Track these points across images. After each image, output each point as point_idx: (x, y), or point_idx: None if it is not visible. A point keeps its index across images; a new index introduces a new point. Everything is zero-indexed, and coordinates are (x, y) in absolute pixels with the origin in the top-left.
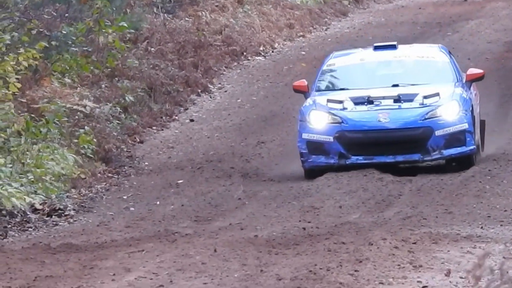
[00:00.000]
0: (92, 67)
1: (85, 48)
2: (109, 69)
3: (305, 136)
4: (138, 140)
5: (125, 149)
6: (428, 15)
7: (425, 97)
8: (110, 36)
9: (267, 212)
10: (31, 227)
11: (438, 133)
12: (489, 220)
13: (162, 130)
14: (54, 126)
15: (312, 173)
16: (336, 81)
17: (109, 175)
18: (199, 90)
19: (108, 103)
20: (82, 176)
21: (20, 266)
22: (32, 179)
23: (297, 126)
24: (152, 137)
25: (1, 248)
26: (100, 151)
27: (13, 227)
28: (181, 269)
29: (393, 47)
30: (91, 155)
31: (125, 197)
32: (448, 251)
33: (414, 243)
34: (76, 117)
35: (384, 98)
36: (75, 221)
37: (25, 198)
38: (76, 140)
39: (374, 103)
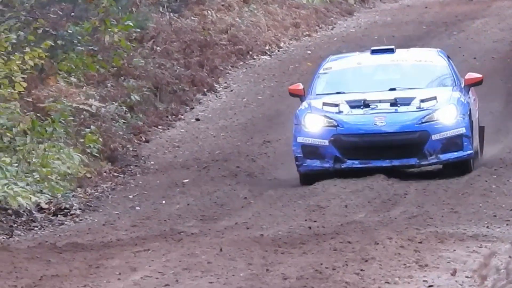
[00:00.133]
0: (98, 66)
1: (91, 47)
2: (115, 68)
3: (300, 139)
4: (144, 139)
5: (131, 148)
6: (434, 14)
7: (422, 101)
8: (116, 35)
9: (273, 211)
10: (37, 226)
11: (435, 137)
12: (495, 220)
13: (168, 129)
14: (60, 125)
15: (307, 177)
16: (332, 84)
17: (115, 174)
18: (205, 89)
19: (114, 102)
20: (88, 175)
21: (26, 265)
22: (38, 178)
23: (292, 130)
24: (158, 136)
25: (7, 247)
26: (106, 150)
27: (19, 226)
28: (187, 268)
29: (391, 51)
30: (97, 154)
31: (131, 196)
32: (454, 250)
33: (420, 242)
34: (82, 116)
35: (380, 101)
36: (81, 220)
37: (31, 197)
38: (82, 139)
39: (370, 106)
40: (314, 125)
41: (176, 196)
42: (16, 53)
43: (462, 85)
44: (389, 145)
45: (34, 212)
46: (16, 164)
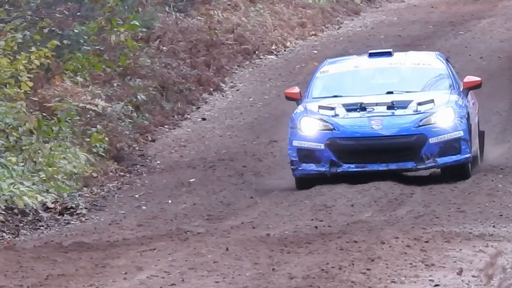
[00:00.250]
0: (104, 66)
1: (97, 47)
2: (121, 68)
3: (295, 143)
4: (150, 138)
5: (137, 148)
6: (440, 14)
7: (419, 104)
8: (122, 35)
9: (279, 211)
10: (43, 226)
11: (432, 140)
12: (501, 219)
13: (174, 128)
14: (66, 124)
15: (303, 181)
16: (329, 88)
17: (121, 173)
18: (211, 89)
19: (120, 102)
20: (94, 174)
21: (32, 265)
22: (44, 178)
23: (288, 133)
24: (164, 136)
25: (13, 246)
26: (112, 150)
27: (25, 226)
28: (193, 268)
29: (389, 54)
30: (103, 154)
31: (137, 195)
32: (461, 249)
33: (426, 241)
34: (88, 116)
35: (377, 104)
36: (87, 219)
37: (37, 197)
38: (88, 139)
39: (367, 109)
40: (309, 128)
41: (182, 196)
42: (22, 53)
43: (461, 89)
44: (385, 148)
45: (40, 211)
46: (22, 164)
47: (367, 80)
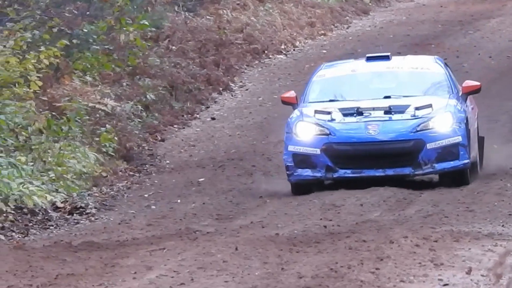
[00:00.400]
0: (113, 65)
1: (106, 46)
2: (130, 67)
3: (291, 148)
4: (160, 138)
5: (146, 147)
6: (449, 13)
7: (417, 109)
8: (131, 35)
9: (288, 210)
10: (52, 225)
11: (430, 146)
12: (510, 218)
13: (184, 128)
14: (76, 124)
15: (299, 187)
16: (325, 92)
17: (131, 173)
18: (221, 88)
19: (129, 101)
20: (104, 174)
21: (42, 264)
22: (54, 177)
23: (284, 138)
24: (173, 135)
25: (22, 246)
26: (121, 149)
27: (34, 225)
28: (202, 267)
29: (386, 58)
30: (112, 153)
31: (146, 195)
32: (469, 249)
33: (435, 241)
34: (97, 115)
35: (374, 109)
36: (96, 219)
37: (46, 196)
38: (97, 138)
39: (364, 114)
40: (305, 133)
41: (192, 195)
42: (31, 52)
43: (460, 93)
44: (382, 154)
45: (49, 211)
46: (32, 163)
47: (364, 84)
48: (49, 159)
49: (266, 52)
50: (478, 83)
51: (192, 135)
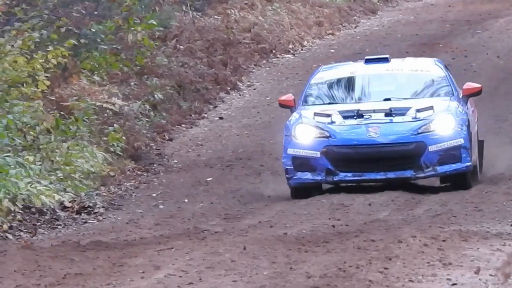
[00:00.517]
0: (121, 65)
1: (114, 46)
2: (138, 67)
3: (290, 151)
4: (167, 137)
5: (154, 147)
6: (457, 13)
7: (418, 111)
8: (139, 34)
9: (296, 210)
10: (60, 225)
11: (431, 148)
12: None
13: (191, 127)
14: (83, 124)
15: (298, 191)
16: (324, 95)
17: (138, 172)
18: (228, 88)
19: (137, 101)
20: (111, 173)
21: (50, 264)
22: (62, 177)
23: (283, 141)
24: (181, 135)
25: (30, 245)
26: (129, 149)
27: (42, 225)
28: (210, 267)
29: (385, 60)
30: (120, 153)
31: (154, 194)
32: (478, 248)
33: (444, 240)
34: (105, 115)
35: (374, 111)
36: (104, 218)
37: (54, 196)
38: (105, 138)
39: (364, 116)
40: (305, 136)
41: (200, 195)
42: (39, 52)
43: (460, 96)
44: (383, 156)
45: (57, 210)
46: (40, 163)
47: (363, 87)
48: (57, 158)
49: (274, 51)
50: (479, 85)
51: (200, 135)
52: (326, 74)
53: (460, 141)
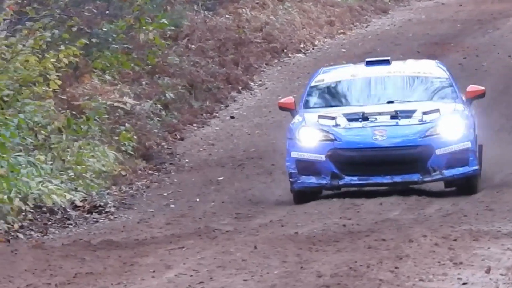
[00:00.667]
0: (132, 64)
1: (125, 45)
2: (149, 66)
3: (294, 154)
4: (179, 137)
5: (165, 146)
6: (468, 12)
7: (424, 113)
8: (150, 33)
9: (307, 209)
10: (71, 224)
11: (439, 152)
12: None
13: (203, 127)
14: (95, 123)
15: (302, 195)
16: (325, 97)
17: (150, 172)
18: (240, 87)
19: (148, 100)
20: (123, 173)
21: (60, 263)
22: (73, 176)
23: (286, 145)
24: (192, 134)
25: (41, 245)
26: (140, 148)
27: (53, 224)
28: (221, 266)
29: (387, 62)
30: (131, 152)
31: (165, 194)
32: (489, 248)
33: (455, 240)
34: (117, 114)
35: (380, 114)
36: (115, 218)
37: (65, 195)
38: (116, 137)
39: (370, 119)
40: (309, 139)
41: (211, 194)
42: (50, 51)
43: (463, 98)
44: (390, 160)
45: (68, 210)
46: (51, 162)
47: (365, 90)
48: (68, 158)
49: (285, 51)
50: (482, 88)
51: (211, 134)
52: (326, 76)
53: (468, 144)
